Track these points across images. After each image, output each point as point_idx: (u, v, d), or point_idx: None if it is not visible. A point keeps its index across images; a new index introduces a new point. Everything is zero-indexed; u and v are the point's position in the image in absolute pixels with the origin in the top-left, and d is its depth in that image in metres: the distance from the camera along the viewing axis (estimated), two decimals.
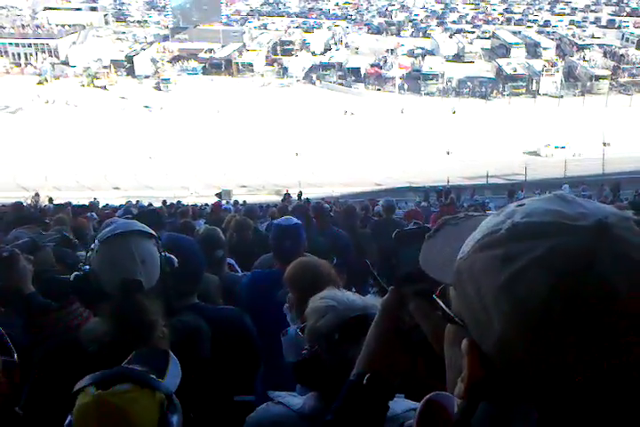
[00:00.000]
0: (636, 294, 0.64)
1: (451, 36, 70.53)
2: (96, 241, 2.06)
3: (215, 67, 59.88)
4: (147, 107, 49.85)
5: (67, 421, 1.41)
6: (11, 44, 63.18)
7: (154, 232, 2.14)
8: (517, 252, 0.69)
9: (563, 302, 0.64)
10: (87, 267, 2.02)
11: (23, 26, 68.97)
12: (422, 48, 66.43)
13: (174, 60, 63.10)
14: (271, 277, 3.76)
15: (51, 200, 19.02)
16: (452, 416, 0.82)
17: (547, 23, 77.40)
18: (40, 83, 56.95)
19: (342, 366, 1.56)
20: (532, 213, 0.72)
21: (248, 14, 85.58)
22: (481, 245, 0.74)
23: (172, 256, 2.17)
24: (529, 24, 77.82)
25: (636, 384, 0.65)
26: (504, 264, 0.69)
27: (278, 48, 65.91)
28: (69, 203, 18.24)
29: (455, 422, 0.77)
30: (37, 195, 14.19)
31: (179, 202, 21.98)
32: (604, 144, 36.04)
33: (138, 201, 23.14)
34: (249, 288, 3.81)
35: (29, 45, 63.15)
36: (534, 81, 52.90)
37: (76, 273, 2.02)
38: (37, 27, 69.38)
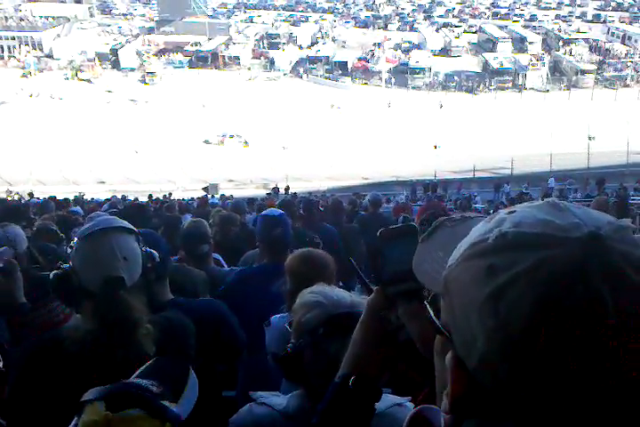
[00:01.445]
0: (627, 312, 0.60)
1: (437, 30, 70.58)
2: (75, 238, 2.02)
3: (201, 60, 59.49)
4: (132, 100, 49.47)
5: (72, 424, 1.37)
6: None
7: (134, 228, 2.11)
8: (503, 264, 0.64)
9: (548, 321, 0.61)
10: (67, 265, 1.98)
11: (6, 18, 68.01)
12: (409, 42, 66.42)
13: (160, 53, 62.65)
14: (260, 272, 3.73)
15: (31, 195, 18.83)
16: None
17: (533, 17, 77.58)
18: (24, 76, 56.30)
19: (325, 361, 1.56)
20: (521, 222, 0.67)
21: (234, 7, 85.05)
22: (467, 254, 0.70)
23: (153, 251, 2.13)
24: (515, 18, 77.92)
25: (623, 403, 0.62)
26: (488, 276, 0.65)
27: (265, 41, 65.61)
28: (53, 197, 18.07)
29: None
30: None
31: (165, 196, 21.87)
32: (590, 138, 36.25)
33: (124, 195, 22.98)
34: (237, 285, 3.74)
35: (13, 38, 62.32)
36: (520, 75, 53.09)
37: (55, 272, 1.98)
38: (21, 19, 68.51)
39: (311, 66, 57.28)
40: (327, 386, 1.22)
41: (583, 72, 53.00)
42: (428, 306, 0.80)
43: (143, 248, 2.08)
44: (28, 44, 62.13)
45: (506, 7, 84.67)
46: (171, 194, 25.09)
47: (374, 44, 64.45)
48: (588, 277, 0.61)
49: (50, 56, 60.57)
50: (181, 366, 1.62)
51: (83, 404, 1.36)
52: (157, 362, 1.57)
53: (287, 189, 27.48)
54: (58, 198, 17.14)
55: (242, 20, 76.23)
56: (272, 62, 59.33)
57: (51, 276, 1.99)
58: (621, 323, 0.60)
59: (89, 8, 78.30)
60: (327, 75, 56.04)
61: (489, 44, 64.39)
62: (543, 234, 0.65)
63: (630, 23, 71.31)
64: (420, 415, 0.94)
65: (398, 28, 74.82)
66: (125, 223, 2.10)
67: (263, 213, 4.24)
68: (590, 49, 62.33)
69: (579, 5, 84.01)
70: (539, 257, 0.63)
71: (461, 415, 0.71)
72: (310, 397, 1.66)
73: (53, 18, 70.45)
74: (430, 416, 0.92)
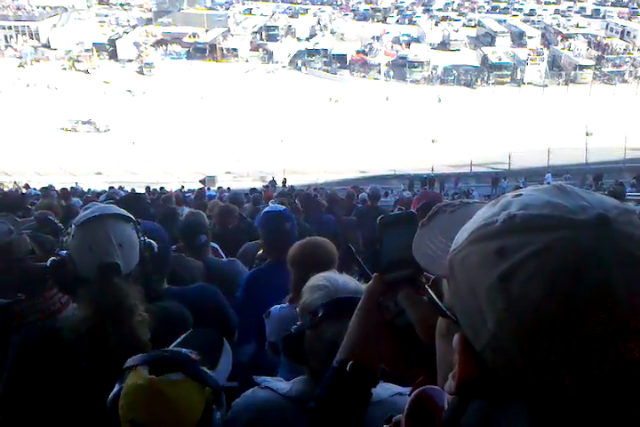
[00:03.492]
0: (636, 292, 0.61)
1: (436, 24, 70.40)
2: (72, 225, 2.01)
3: (199, 51, 59.24)
4: (129, 91, 49.32)
5: (115, 389, 1.45)
6: None
7: (132, 216, 2.10)
8: (513, 246, 0.65)
9: (559, 302, 0.61)
10: (64, 252, 1.97)
11: (3, 7, 67.67)
12: (408, 35, 66.25)
13: (157, 44, 62.38)
14: (270, 272, 3.69)
15: (27, 187, 18.73)
16: (442, 411, 0.80)
17: (532, 12, 77.47)
18: (20, 66, 56.04)
19: (323, 344, 1.59)
20: (529, 204, 0.68)
21: None
22: (474, 237, 0.70)
23: (151, 241, 2.13)
24: (514, 13, 77.81)
25: (633, 385, 0.63)
26: (498, 259, 0.65)
27: (263, 33, 65.34)
28: (52, 187, 18.04)
29: (445, 419, 0.75)
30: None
31: (162, 188, 21.85)
32: (587, 134, 36.29)
33: (120, 186, 22.94)
34: (251, 289, 3.67)
35: (9, 27, 61.99)
36: (519, 70, 53.06)
37: (52, 258, 1.98)
38: (18, 8, 68.17)
39: (309, 58, 57.13)
40: (326, 369, 1.23)
41: (582, 67, 52.93)
42: (429, 289, 0.80)
43: (141, 237, 2.07)
44: (24, 34, 61.80)
45: (505, 1, 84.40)
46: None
47: (373, 37, 64.25)
48: (599, 259, 0.61)
49: (47, 46, 60.28)
50: (215, 337, 1.71)
51: (126, 370, 1.44)
52: (193, 334, 1.65)
53: (284, 181, 27.47)
54: (57, 189, 17.11)
55: (240, 12, 75.92)
56: (270, 54, 59.16)
57: (48, 263, 1.98)
58: (633, 304, 0.61)
59: None
60: (325, 67, 55.91)
61: (488, 39, 64.27)
62: (552, 216, 0.65)
63: (629, 18, 71.23)
64: (425, 395, 0.94)
65: (397, 22, 74.60)
66: (122, 211, 2.09)
67: (267, 209, 4.17)
68: (589, 44, 62.22)
69: (578, 0, 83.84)
70: (548, 239, 0.63)
71: (467, 397, 0.71)
72: (314, 381, 1.68)
73: (51, 7, 70.07)
74: (434, 396, 0.92)
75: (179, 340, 1.59)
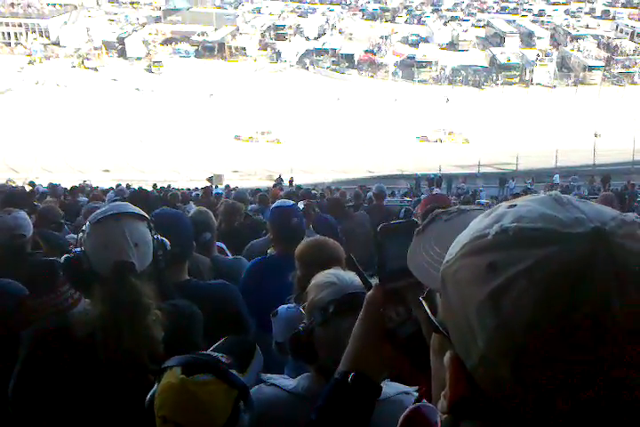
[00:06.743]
0: (634, 311, 0.57)
1: (445, 24, 70.32)
2: (87, 223, 2.03)
3: (208, 50, 59.38)
4: (137, 89, 49.43)
5: (154, 388, 1.56)
6: (0, 22, 62.27)
7: (146, 214, 2.12)
8: (504, 261, 0.61)
9: (550, 321, 0.58)
10: (78, 249, 1.99)
11: (13, 4, 67.91)
12: (417, 35, 66.17)
13: (166, 42, 62.54)
14: (275, 263, 3.74)
15: (32, 184, 18.77)
16: None
17: (541, 12, 77.28)
18: (30, 63, 56.26)
19: (335, 340, 1.57)
20: (522, 216, 0.64)
21: None
22: (466, 250, 0.66)
23: (164, 239, 2.15)
24: (524, 13, 77.69)
25: (629, 408, 0.59)
26: (489, 275, 0.62)
27: (272, 32, 65.42)
28: (57, 185, 18.08)
29: None
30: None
31: (169, 186, 21.90)
32: (596, 135, 36.16)
33: (128, 184, 22.98)
34: (253, 277, 3.74)
35: (19, 25, 62.27)
36: (528, 70, 52.91)
37: (66, 255, 1.99)
38: (28, 6, 68.40)
39: (317, 58, 57.13)
40: (337, 365, 1.23)
41: (591, 68, 52.74)
42: (423, 302, 0.77)
43: (154, 235, 2.10)
44: (34, 32, 62.04)
45: (514, 1, 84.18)
46: (169, 185, 24.98)
47: (381, 37, 64.23)
48: (593, 275, 0.58)
49: (56, 44, 60.51)
50: (248, 344, 1.81)
51: (163, 370, 1.55)
52: (227, 340, 1.76)
53: (291, 181, 27.42)
54: (64, 186, 17.13)
55: (249, 11, 75.99)
56: (278, 54, 59.19)
57: (62, 260, 2.00)
58: (629, 325, 0.57)
59: None
60: (333, 67, 55.88)
61: (497, 39, 64.15)
62: (545, 229, 0.61)
63: (639, 20, 70.87)
64: (418, 412, 0.95)
65: (406, 21, 74.58)
66: (137, 210, 2.10)
67: (276, 204, 4.24)
68: (598, 45, 62.03)
69: (588, 1, 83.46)
70: (540, 255, 0.60)
71: (459, 416, 0.68)
72: (320, 378, 1.68)
73: (61, 5, 70.35)
74: (428, 413, 0.92)
75: (215, 345, 1.71)
